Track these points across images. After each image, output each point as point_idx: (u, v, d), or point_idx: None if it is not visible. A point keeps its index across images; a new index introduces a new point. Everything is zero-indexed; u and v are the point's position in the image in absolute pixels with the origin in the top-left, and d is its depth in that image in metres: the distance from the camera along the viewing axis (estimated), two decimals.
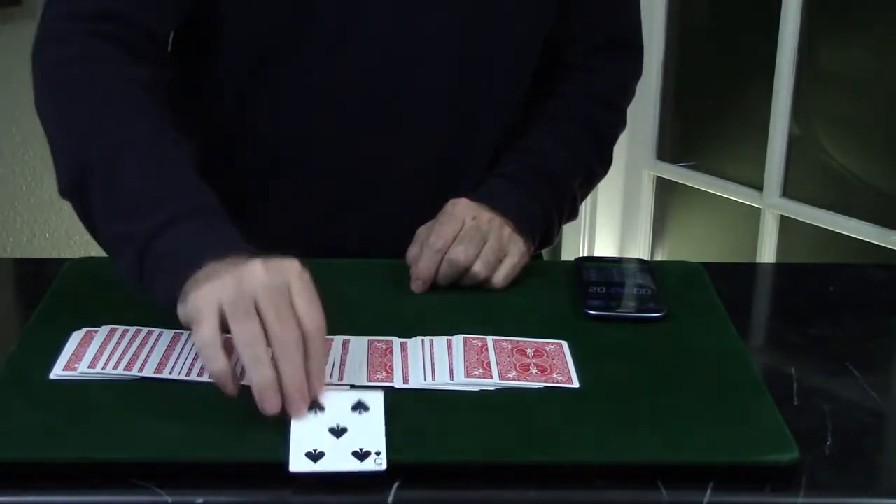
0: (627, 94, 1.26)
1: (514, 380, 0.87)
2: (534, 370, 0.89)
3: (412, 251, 1.05)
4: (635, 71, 1.26)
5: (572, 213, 1.20)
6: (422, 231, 1.06)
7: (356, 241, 1.14)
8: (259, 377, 0.79)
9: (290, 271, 0.82)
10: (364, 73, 1.09)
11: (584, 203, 1.23)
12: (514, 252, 1.06)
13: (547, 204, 1.13)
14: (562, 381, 0.88)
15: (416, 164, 1.13)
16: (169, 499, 0.75)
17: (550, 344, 0.92)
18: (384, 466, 0.76)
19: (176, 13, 1.06)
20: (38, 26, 1.03)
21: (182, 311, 0.83)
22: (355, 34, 1.07)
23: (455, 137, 1.13)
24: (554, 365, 0.90)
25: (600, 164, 1.22)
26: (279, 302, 0.80)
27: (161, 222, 0.88)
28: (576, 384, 0.88)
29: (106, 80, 0.98)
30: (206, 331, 0.80)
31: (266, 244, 0.86)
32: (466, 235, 1.04)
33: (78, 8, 1.01)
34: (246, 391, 0.85)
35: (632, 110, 1.26)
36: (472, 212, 1.06)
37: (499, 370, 0.89)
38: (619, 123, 1.25)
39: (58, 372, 0.87)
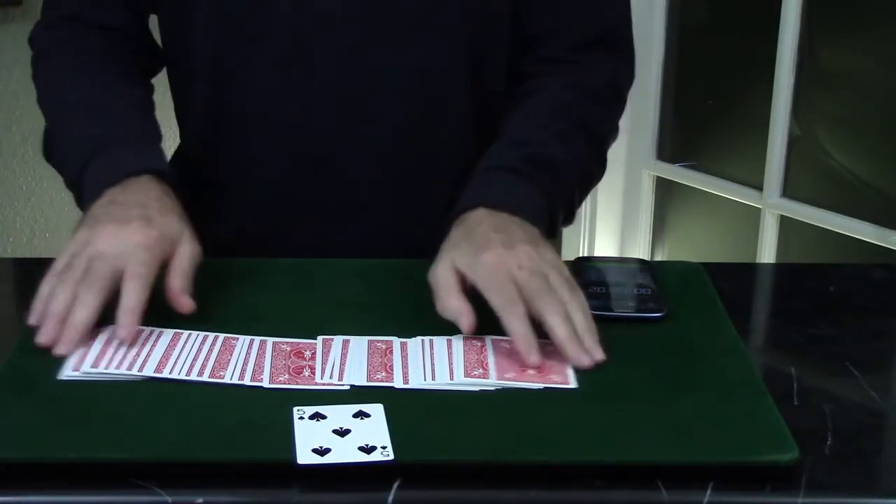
0: (617, 93, 1.20)
1: (512, 380, 0.87)
2: (531, 371, 0.89)
3: (452, 303, 0.93)
4: (622, 70, 1.21)
5: (570, 215, 1.16)
6: (445, 279, 0.94)
7: (332, 233, 1.15)
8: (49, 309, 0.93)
9: (130, 245, 0.94)
10: (317, 62, 1.10)
11: (584, 203, 1.21)
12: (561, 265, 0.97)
13: (551, 194, 1.07)
14: (559, 382, 0.88)
15: (385, 146, 1.13)
16: (169, 499, 0.75)
17: (550, 344, 0.92)
18: (392, 457, 0.76)
19: (119, 9, 1.17)
20: None
21: None
22: (306, 24, 1.09)
23: (414, 118, 1.12)
24: (552, 366, 0.90)
25: (596, 163, 1.17)
26: (98, 270, 0.93)
27: (81, 164, 1.05)
28: (573, 384, 0.88)
29: (56, 57, 1.16)
30: (46, 278, 0.96)
31: (240, 241, 1.05)
32: (534, 289, 0.92)
33: (46, 19, 1.20)
34: (246, 392, 0.86)
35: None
36: (492, 230, 0.97)
37: (497, 370, 0.89)
38: (610, 119, 1.19)
39: (67, 372, 0.87)
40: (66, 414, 0.82)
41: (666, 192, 2.52)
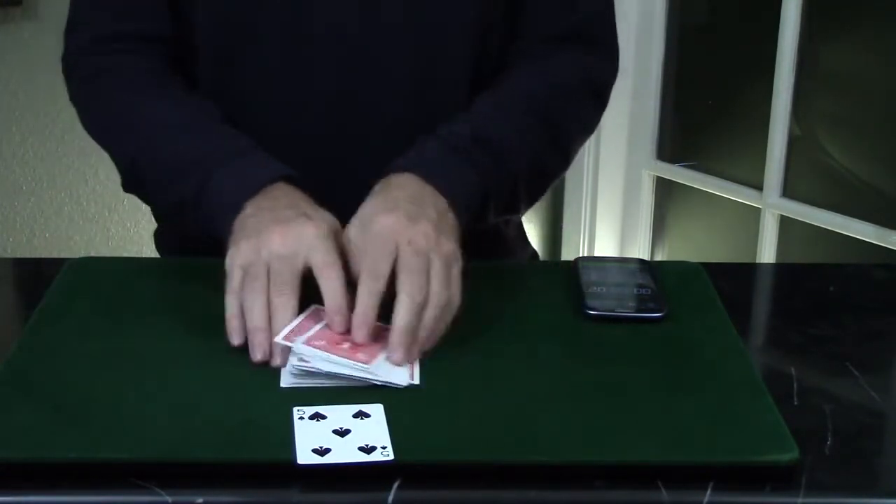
0: (593, 90, 1.17)
1: (321, 348, 0.86)
2: (346, 344, 0.88)
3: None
4: (602, 67, 1.18)
5: (513, 206, 1.10)
6: (354, 234, 0.94)
7: None
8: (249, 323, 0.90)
9: (307, 239, 0.91)
10: (319, 63, 1.10)
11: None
12: (458, 270, 0.94)
13: (488, 179, 1.04)
14: (362, 361, 0.86)
15: (379, 152, 1.11)
16: (169, 499, 0.75)
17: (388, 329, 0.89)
18: (392, 457, 0.76)
19: (162, 15, 1.14)
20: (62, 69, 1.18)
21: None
22: (307, 24, 1.09)
23: (415, 121, 1.11)
24: (369, 347, 0.88)
25: (553, 158, 1.13)
26: (284, 272, 0.90)
27: (199, 181, 1.01)
28: (375, 374, 0.85)
29: (118, 83, 1.12)
30: (229, 295, 0.91)
31: None
32: (407, 266, 0.90)
33: (78, 41, 1.15)
34: (246, 391, 0.86)
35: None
36: (407, 198, 0.95)
37: (315, 336, 0.87)
38: (580, 118, 1.16)
39: (288, 380, 0.86)
40: (66, 414, 0.82)
41: (666, 192, 2.52)
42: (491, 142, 1.06)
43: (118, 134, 1.11)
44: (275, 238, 0.91)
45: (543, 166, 1.13)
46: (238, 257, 0.92)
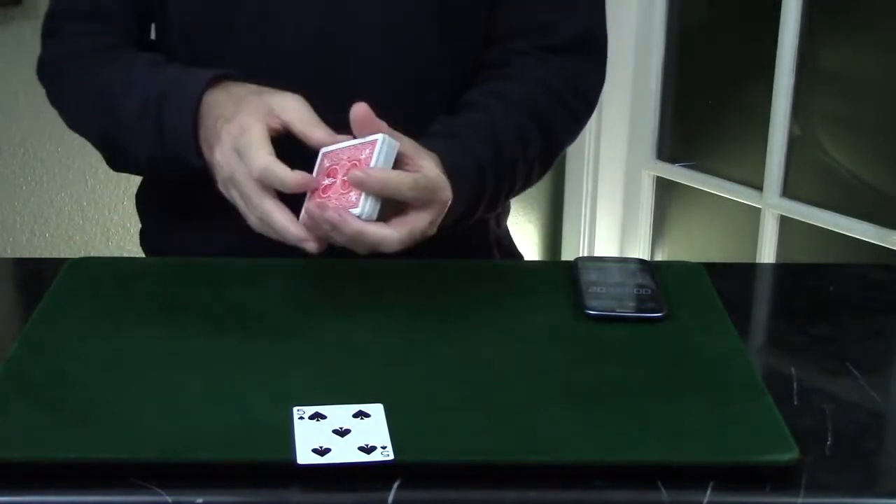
0: (585, 99, 1.19)
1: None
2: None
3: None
4: (594, 75, 1.20)
5: (496, 205, 1.13)
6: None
7: None
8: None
9: (223, 148, 0.96)
10: (294, 60, 1.11)
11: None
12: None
13: (485, 173, 1.07)
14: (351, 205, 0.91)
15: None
16: (169, 499, 0.75)
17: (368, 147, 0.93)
18: (392, 457, 0.77)
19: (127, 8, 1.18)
20: None
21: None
22: (283, 21, 1.10)
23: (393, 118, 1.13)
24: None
25: (541, 161, 1.15)
26: (236, 185, 0.96)
27: (155, 121, 1.04)
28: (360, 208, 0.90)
29: (75, 70, 1.14)
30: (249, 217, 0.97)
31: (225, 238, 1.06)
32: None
33: (51, 45, 1.19)
34: (246, 391, 0.86)
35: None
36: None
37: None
38: (570, 128, 1.19)
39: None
40: (66, 414, 0.82)
41: (666, 192, 2.52)
42: (496, 141, 1.08)
43: (85, 115, 1.14)
44: (218, 159, 0.97)
45: (531, 169, 1.15)
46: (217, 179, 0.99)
